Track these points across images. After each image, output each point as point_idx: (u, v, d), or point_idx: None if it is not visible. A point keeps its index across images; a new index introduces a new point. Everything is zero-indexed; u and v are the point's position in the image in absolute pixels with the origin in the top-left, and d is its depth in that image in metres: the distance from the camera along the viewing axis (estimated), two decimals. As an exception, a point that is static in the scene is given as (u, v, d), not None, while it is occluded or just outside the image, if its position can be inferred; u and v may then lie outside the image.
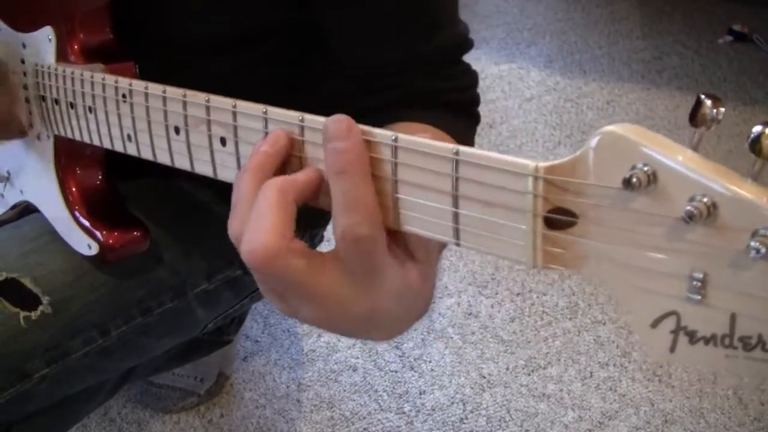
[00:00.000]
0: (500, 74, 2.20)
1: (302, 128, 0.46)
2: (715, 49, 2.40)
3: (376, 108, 0.71)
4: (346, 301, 0.45)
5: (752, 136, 0.29)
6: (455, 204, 0.39)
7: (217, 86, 0.54)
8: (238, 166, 0.51)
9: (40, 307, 0.76)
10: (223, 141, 0.51)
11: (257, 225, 0.43)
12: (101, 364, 0.84)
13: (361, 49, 0.73)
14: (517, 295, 1.53)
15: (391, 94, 0.73)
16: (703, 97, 0.31)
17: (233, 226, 0.46)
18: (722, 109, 0.31)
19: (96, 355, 0.81)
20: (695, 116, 0.31)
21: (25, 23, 0.74)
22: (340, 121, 0.44)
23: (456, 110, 0.74)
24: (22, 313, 0.76)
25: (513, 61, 2.29)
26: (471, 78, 0.77)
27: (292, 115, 0.46)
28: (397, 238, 0.46)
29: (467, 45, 0.75)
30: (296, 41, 0.80)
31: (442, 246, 0.50)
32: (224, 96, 0.51)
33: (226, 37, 0.77)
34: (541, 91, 2.16)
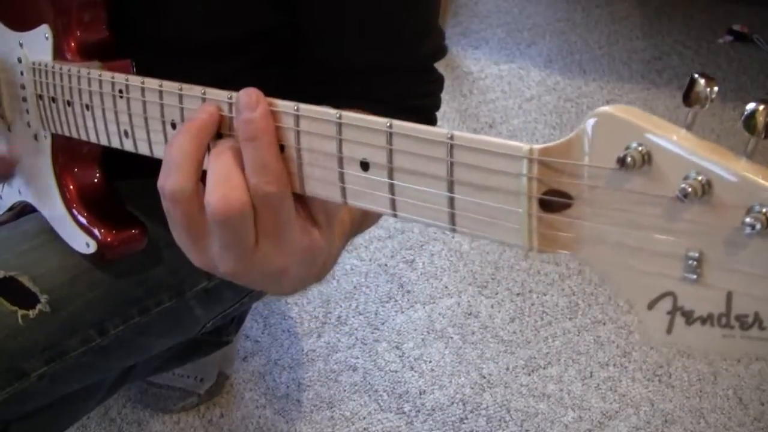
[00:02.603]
0: (500, 74, 2.20)
1: (297, 117, 0.46)
2: (715, 49, 2.40)
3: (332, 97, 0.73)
4: (263, 258, 0.50)
5: (746, 113, 0.29)
6: (450, 189, 0.38)
7: (220, 87, 0.54)
8: None
9: (38, 306, 0.76)
10: (219, 135, 0.52)
11: (228, 181, 0.47)
12: (100, 363, 0.83)
13: (350, 53, 0.74)
14: (517, 295, 1.52)
15: (358, 92, 0.75)
16: (696, 76, 0.31)
17: (176, 180, 0.49)
18: (716, 88, 0.31)
19: (94, 354, 0.81)
20: (689, 95, 0.31)
21: (22, 22, 0.74)
22: (249, 93, 0.48)
23: (415, 114, 0.76)
24: (20, 312, 0.76)
25: (513, 61, 2.29)
26: (438, 84, 0.79)
27: (288, 105, 0.46)
28: (301, 204, 0.50)
29: (443, 52, 0.78)
30: (295, 43, 0.80)
31: (347, 214, 0.58)
32: None
33: (227, 40, 0.77)
34: (541, 91, 2.16)
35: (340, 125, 0.43)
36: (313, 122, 0.45)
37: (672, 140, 0.30)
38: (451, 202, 0.39)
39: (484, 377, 1.36)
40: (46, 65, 0.71)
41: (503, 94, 2.12)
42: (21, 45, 0.74)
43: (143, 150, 0.61)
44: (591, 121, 0.33)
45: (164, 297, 0.85)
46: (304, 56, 0.78)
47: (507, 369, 1.37)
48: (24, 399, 0.78)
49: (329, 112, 0.43)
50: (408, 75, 0.76)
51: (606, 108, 0.32)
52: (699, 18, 2.56)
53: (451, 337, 1.43)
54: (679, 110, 2.14)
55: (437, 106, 0.80)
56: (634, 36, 2.46)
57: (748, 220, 0.28)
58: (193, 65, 0.76)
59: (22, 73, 0.75)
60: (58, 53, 0.71)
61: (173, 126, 0.56)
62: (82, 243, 0.75)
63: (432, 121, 0.80)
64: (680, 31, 2.49)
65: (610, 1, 2.65)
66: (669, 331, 0.32)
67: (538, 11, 2.59)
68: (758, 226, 0.28)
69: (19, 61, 0.75)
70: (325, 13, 0.72)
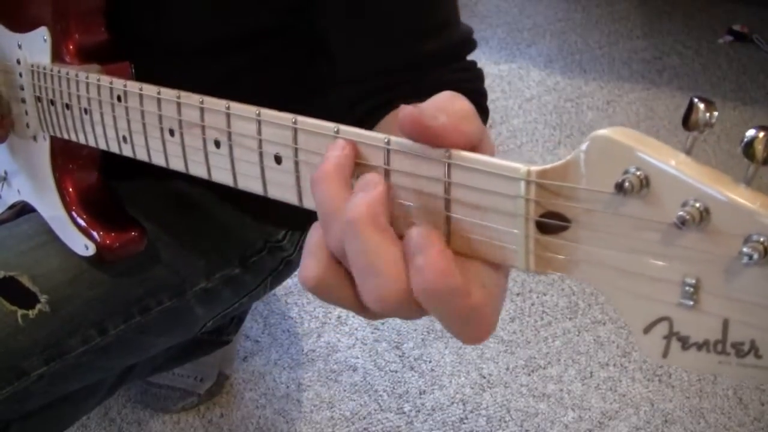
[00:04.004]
0: (500, 74, 2.20)
1: (295, 131, 0.45)
2: (715, 49, 2.39)
3: (383, 105, 0.69)
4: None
5: (745, 140, 0.29)
6: (447, 208, 0.38)
7: (218, 90, 0.54)
8: (232, 168, 0.51)
9: (38, 306, 0.77)
10: (217, 143, 0.51)
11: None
12: (99, 363, 0.84)
13: (366, 51, 0.73)
14: (517, 295, 1.52)
15: (400, 89, 0.72)
16: (696, 100, 0.31)
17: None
18: (716, 113, 0.31)
19: (94, 353, 0.81)
20: (688, 120, 0.31)
21: (21, 23, 0.74)
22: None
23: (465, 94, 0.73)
24: (20, 312, 0.76)
25: (513, 61, 2.29)
26: (476, 73, 0.77)
27: (286, 117, 0.45)
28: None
29: (472, 44, 0.76)
30: (298, 44, 0.80)
31: None
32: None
33: (228, 40, 0.77)
34: (541, 91, 2.15)
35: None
36: (309, 136, 0.44)
37: (671, 165, 0.30)
38: (448, 221, 0.39)
39: (484, 377, 1.36)
40: (44, 68, 0.70)
41: (503, 94, 2.11)
42: (20, 47, 0.74)
43: (141, 156, 0.61)
44: (588, 144, 0.32)
45: (164, 297, 0.85)
46: (323, 57, 0.77)
47: (507, 369, 1.37)
48: (24, 398, 0.78)
49: (326, 125, 0.43)
50: (414, 71, 0.74)
51: (604, 131, 0.32)
52: (699, 18, 2.55)
53: (451, 337, 1.43)
54: (679, 110, 2.14)
55: (480, 94, 0.75)
56: (634, 36, 2.46)
57: (745, 249, 0.28)
58: (194, 65, 0.76)
59: (21, 75, 0.75)
60: (57, 56, 0.71)
61: (171, 133, 0.56)
62: (81, 245, 0.75)
63: (482, 108, 0.74)
64: (680, 31, 2.48)
65: (610, 1, 2.64)
66: (665, 355, 0.32)
67: (538, 11, 2.58)
68: (756, 256, 0.28)
69: (18, 62, 0.75)
70: (331, 14, 0.72)
